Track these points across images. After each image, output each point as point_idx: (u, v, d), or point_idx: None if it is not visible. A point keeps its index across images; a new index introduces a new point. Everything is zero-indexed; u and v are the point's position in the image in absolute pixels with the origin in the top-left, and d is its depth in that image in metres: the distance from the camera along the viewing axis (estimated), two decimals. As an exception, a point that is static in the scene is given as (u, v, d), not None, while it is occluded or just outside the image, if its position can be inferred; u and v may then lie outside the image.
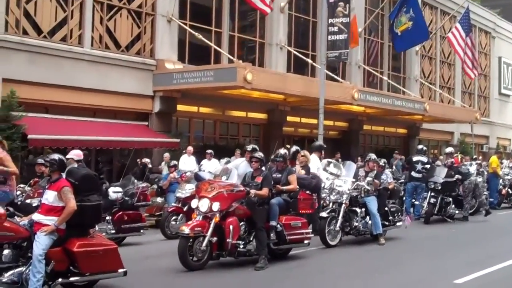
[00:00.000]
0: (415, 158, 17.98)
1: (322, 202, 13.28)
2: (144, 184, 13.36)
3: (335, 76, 24.98)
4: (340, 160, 17.49)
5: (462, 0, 34.32)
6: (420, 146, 19.30)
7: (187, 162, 16.86)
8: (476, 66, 31.04)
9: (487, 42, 41.43)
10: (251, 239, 10.26)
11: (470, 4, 34.81)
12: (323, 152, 14.81)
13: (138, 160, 17.11)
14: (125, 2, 19.24)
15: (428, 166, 17.98)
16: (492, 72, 41.92)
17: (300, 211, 11.81)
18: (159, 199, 15.04)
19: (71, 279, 7.76)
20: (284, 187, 10.97)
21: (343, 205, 12.48)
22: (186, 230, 9.64)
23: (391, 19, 26.91)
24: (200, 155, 17.93)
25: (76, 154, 11.60)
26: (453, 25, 31.46)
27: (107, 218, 11.88)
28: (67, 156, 10.79)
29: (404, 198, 17.56)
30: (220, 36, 22.25)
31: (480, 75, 38.15)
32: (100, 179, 14.29)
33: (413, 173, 17.70)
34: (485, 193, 20.89)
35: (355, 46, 24.66)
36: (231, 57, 21.06)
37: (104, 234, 10.56)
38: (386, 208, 13.43)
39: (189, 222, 9.98)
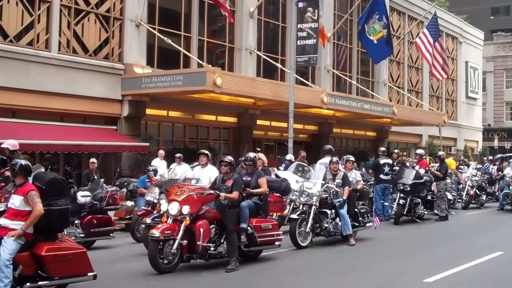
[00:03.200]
0: (382, 161, 18.15)
1: (292, 204, 13.36)
2: (113, 188, 13.25)
3: (305, 80, 25.14)
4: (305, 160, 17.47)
5: (429, 6, 34.85)
6: (382, 148, 19.47)
7: (159, 166, 16.75)
8: (447, 69, 31.46)
9: (454, 47, 42.08)
10: (221, 241, 10.23)
11: (438, 10, 35.33)
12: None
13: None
14: (93, 7, 19.12)
15: (396, 168, 18.20)
16: (459, 76, 42.59)
17: (271, 213, 11.83)
18: (129, 203, 14.92)
19: (40, 283, 7.65)
20: (255, 190, 10.97)
21: (313, 207, 12.53)
22: (156, 233, 9.57)
23: (360, 24, 27.14)
24: (170, 159, 17.86)
25: (11, 144, 11.49)
26: (421, 30, 31.88)
27: (76, 222, 11.75)
28: (2, 146, 10.74)
29: (373, 200, 17.69)
30: (189, 41, 22.22)
31: (447, 79, 38.73)
32: (69, 183, 14.20)
33: (381, 176, 17.85)
34: (453, 194, 21.24)
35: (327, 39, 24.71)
36: (201, 62, 21.06)
37: (73, 238, 10.45)
38: (356, 210, 13.52)
39: (159, 226, 9.91)
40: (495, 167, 24.47)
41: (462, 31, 42.97)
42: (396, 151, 19.24)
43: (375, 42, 26.35)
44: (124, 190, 15.40)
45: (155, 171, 14.83)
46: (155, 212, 11.58)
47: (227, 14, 20.32)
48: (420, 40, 30.29)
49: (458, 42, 42.56)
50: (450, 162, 23.89)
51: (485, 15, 70.75)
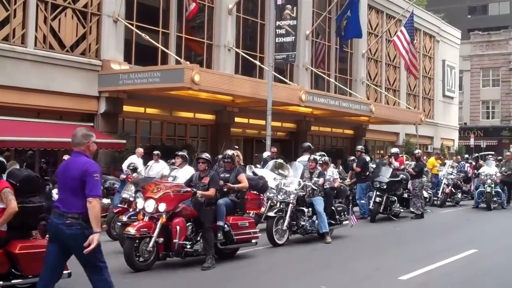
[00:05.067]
0: (368, 159, 18.40)
1: (269, 202, 13.41)
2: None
3: (283, 78, 25.17)
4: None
5: (407, 5, 35.06)
6: (359, 147, 19.61)
7: (136, 164, 16.65)
8: (416, 66, 31.72)
9: (431, 46, 42.39)
10: (198, 239, 10.24)
11: (415, 8, 35.56)
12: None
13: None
14: (70, 2, 18.92)
15: (374, 165, 18.39)
16: (436, 75, 42.91)
17: (248, 211, 11.86)
18: (105, 200, 14.81)
19: (13, 281, 7.57)
20: (236, 185, 10.98)
21: (290, 205, 12.58)
22: (132, 231, 9.55)
23: (338, 22, 27.31)
24: (148, 157, 17.77)
25: None
26: (399, 28, 32.05)
27: (51, 220, 11.65)
28: None
29: (350, 197, 17.82)
30: (168, 37, 22.11)
31: (424, 78, 39.05)
32: (45, 181, 14.09)
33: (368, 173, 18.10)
34: (429, 192, 21.46)
35: None
36: (179, 58, 20.98)
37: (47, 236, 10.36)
38: (332, 208, 13.60)
39: (135, 223, 9.88)
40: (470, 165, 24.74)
41: (439, 29, 43.30)
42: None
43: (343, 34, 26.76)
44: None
45: (135, 169, 14.71)
46: (131, 210, 11.53)
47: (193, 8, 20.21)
48: (398, 38, 30.44)
49: (435, 41, 42.87)
50: (431, 161, 24.26)
51: (462, 14, 71.43)
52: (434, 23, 42.50)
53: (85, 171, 6.19)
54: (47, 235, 7.01)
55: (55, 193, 11.88)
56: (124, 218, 10.98)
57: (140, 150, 17.27)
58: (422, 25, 39.22)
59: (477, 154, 27.63)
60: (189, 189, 10.25)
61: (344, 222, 13.91)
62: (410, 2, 35.56)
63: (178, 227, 9.79)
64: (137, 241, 9.52)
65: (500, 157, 25.24)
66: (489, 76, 60.99)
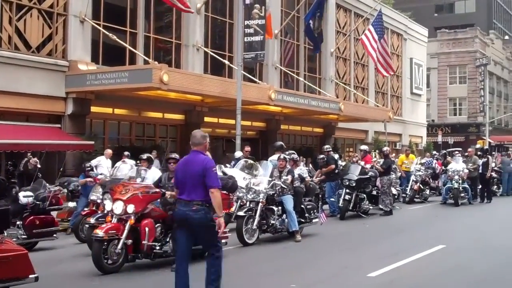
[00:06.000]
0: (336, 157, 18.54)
1: (239, 201, 13.41)
2: (56, 188, 13.02)
3: (252, 77, 25.20)
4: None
5: (375, 3, 35.36)
6: (326, 146, 19.71)
7: (104, 165, 16.51)
8: (388, 67, 31.93)
9: (399, 44, 42.82)
10: (167, 240, 10.18)
11: (383, 7, 35.87)
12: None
13: (26, 159, 15.67)
14: (35, 2, 18.71)
15: (343, 163, 18.53)
16: (404, 73, 43.36)
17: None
18: (71, 204, 14.60)
19: (-20, 286, 7.46)
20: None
21: (260, 204, 12.59)
22: (100, 233, 9.46)
23: (306, 22, 27.45)
24: (117, 158, 17.62)
25: None
26: (366, 27, 32.29)
27: (18, 223, 11.50)
28: None
29: (320, 195, 17.89)
30: (135, 37, 21.98)
31: (392, 76, 39.41)
32: (11, 184, 13.87)
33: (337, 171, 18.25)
34: (398, 189, 21.65)
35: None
36: (147, 58, 20.86)
37: (15, 239, 10.24)
38: (302, 206, 13.64)
39: (103, 225, 9.79)
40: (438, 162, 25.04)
41: (406, 28, 43.75)
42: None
43: (316, 36, 27.01)
44: (65, 190, 15.03)
45: (91, 168, 14.54)
46: (99, 211, 11.42)
47: (184, 8, 20.20)
48: (366, 37, 30.67)
49: (403, 39, 43.31)
50: (401, 158, 24.52)
51: (429, 12, 72.33)
52: (401, 22, 42.94)
53: (205, 167, 7.27)
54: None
55: (22, 196, 11.72)
56: (92, 220, 10.86)
57: (109, 151, 17.10)
58: (389, 23, 39.59)
59: (444, 151, 27.97)
60: (158, 190, 10.19)
61: (313, 220, 13.96)
62: (378, 1, 35.88)
63: (147, 229, 9.74)
64: (105, 243, 9.42)
65: (466, 153, 25.56)
66: (456, 74, 61.83)
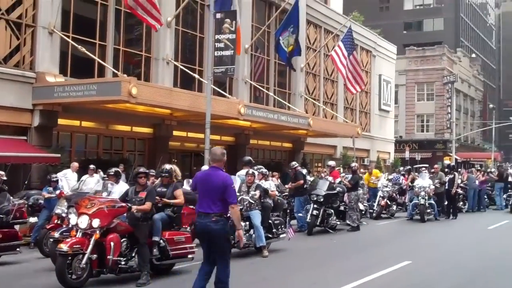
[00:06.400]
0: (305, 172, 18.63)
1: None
2: (21, 201, 12.81)
3: (222, 91, 25.20)
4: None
5: (345, 20, 35.74)
6: (293, 163, 19.79)
7: (70, 178, 16.33)
8: (360, 82, 32.18)
9: (368, 61, 43.30)
10: (133, 255, 10.09)
11: (353, 24, 36.26)
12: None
13: None
14: (3, 13, 18.46)
15: (311, 179, 18.62)
16: (373, 89, 43.83)
17: (184, 226, 11.77)
18: (32, 219, 14.22)
19: None
20: (172, 201, 10.92)
21: (229, 221, 12.50)
22: (64, 247, 9.33)
23: (277, 37, 27.61)
24: (84, 171, 17.44)
25: None
26: (336, 43, 32.59)
27: (-20, 237, 11.30)
28: None
29: (288, 211, 17.91)
30: (105, 50, 21.82)
31: (361, 92, 39.79)
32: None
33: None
34: (365, 204, 21.79)
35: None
36: (116, 71, 20.73)
37: (-24, 254, 10.04)
38: (270, 221, 13.65)
39: (68, 240, 9.66)
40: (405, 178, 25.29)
41: (376, 45, 44.29)
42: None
43: (287, 54, 27.20)
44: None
45: (56, 180, 14.33)
46: (64, 226, 11.28)
47: (152, 22, 20.15)
48: (335, 53, 30.96)
49: (372, 56, 43.81)
50: (376, 173, 24.75)
51: (398, 29, 73.37)
52: (370, 39, 43.46)
53: (225, 183, 7.92)
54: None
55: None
56: (56, 235, 10.72)
57: (75, 164, 16.92)
58: (359, 40, 40.03)
59: (409, 167, 28.28)
60: (124, 204, 10.13)
61: (281, 236, 13.98)
62: (348, 18, 36.26)
63: (112, 243, 9.64)
64: (69, 258, 9.30)
65: (432, 170, 25.88)
66: (423, 91, 62.74)
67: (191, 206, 12.35)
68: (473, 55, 79.07)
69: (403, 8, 78.01)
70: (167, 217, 10.78)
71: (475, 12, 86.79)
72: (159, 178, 11.91)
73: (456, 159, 54.05)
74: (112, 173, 12.07)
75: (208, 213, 7.88)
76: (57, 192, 13.76)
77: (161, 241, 10.46)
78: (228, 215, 8.14)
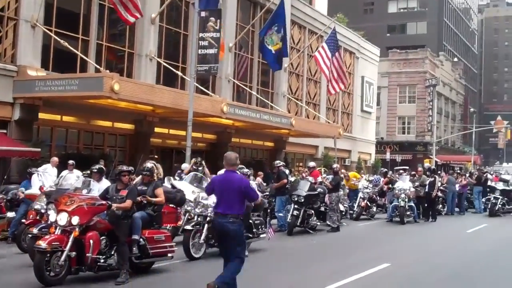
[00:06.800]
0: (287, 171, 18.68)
1: (186, 215, 13.30)
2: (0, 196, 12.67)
3: (205, 89, 25.12)
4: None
5: (329, 21, 35.82)
6: (277, 161, 19.78)
7: (50, 173, 16.15)
8: (343, 80, 32.18)
9: (351, 62, 43.46)
10: (112, 253, 10.01)
11: (337, 25, 36.35)
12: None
13: None
14: (-15, 5, 18.28)
15: (292, 179, 18.64)
16: (355, 91, 44.00)
17: (164, 225, 11.73)
18: (10, 214, 14.03)
19: None
20: (153, 199, 10.87)
21: (208, 218, 12.50)
22: (43, 244, 9.23)
23: (261, 36, 27.58)
24: (64, 166, 17.28)
25: None
26: (320, 44, 32.65)
27: (-43, 232, 11.15)
28: None
29: (268, 210, 17.90)
30: (88, 44, 21.68)
31: (344, 93, 39.95)
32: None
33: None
34: (346, 205, 21.86)
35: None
36: (98, 67, 20.60)
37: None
38: (250, 221, 13.60)
39: (47, 236, 9.56)
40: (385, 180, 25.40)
41: (359, 46, 44.46)
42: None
43: (273, 52, 27.05)
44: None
45: (30, 174, 14.19)
46: (42, 222, 11.16)
47: (131, 18, 19.99)
48: (319, 54, 31.02)
49: (355, 57, 43.98)
50: (354, 175, 24.78)
51: (382, 32, 73.68)
52: (354, 40, 43.63)
53: (244, 185, 8.60)
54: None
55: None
56: (35, 231, 10.60)
57: (55, 159, 16.75)
58: (343, 42, 40.16)
59: (385, 169, 28.46)
60: (104, 202, 10.05)
61: (261, 236, 13.93)
62: (332, 19, 36.35)
63: (91, 241, 9.56)
64: (48, 254, 9.21)
65: (413, 172, 26.03)
66: (405, 93, 63.08)
67: (172, 205, 12.34)
68: (455, 59, 79.68)
69: (387, 11, 78.38)
70: (147, 216, 10.72)
71: (458, 16, 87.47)
72: (140, 176, 11.86)
73: (436, 162, 54.49)
74: (96, 170, 11.96)
75: (226, 214, 8.39)
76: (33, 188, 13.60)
77: (141, 239, 10.40)
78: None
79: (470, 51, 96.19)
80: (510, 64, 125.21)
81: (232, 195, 8.46)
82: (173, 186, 13.77)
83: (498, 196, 26.68)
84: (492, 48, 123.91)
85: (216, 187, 8.76)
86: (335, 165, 20.87)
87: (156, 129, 23.64)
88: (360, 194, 22.88)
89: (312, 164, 21.53)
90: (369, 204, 23.09)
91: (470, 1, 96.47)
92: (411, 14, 78.16)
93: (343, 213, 20.92)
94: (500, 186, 27.69)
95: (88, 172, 12.49)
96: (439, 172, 31.68)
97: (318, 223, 18.28)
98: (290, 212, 17.30)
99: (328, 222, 18.51)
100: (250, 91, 30.28)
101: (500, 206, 26.51)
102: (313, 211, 17.90)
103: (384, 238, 18.04)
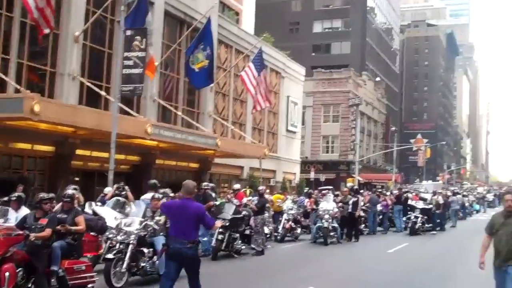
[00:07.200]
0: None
1: (108, 242, 13.01)
2: None
3: (129, 110, 24.70)
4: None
5: (256, 41, 36.13)
6: (205, 183, 19.73)
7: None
8: (270, 99, 32.43)
9: (277, 82, 43.93)
10: (29, 286, 9.68)
11: (263, 45, 36.70)
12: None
13: None
14: None
15: (217, 202, 18.57)
16: (281, 110, 44.44)
17: (85, 254, 11.44)
18: None
19: None
20: (73, 228, 10.59)
21: (131, 246, 12.27)
22: (-47, 279, 8.83)
23: (188, 55, 27.44)
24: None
25: None
26: (247, 64, 32.83)
27: None
28: None
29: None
30: (7, 63, 21.00)
31: (269, 112, 40.29)
32: None
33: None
34: (270, 227, 21.94)
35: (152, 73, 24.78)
36: (18, 86, 19.96)
37: None
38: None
39: (-42, 270, 9.15)
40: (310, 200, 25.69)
41: (285, 66, 45.01)
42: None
43: (197, 70, 26.88)
44: None
45: None
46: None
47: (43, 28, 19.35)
48: (245, 73, 31.17)
49: (281, 77, 44.49)
50: (277, 197, 24.91)
51: (307, 51, 74.91)
52: (280, 60, 44.15)
53: (200, 213, 9.35)
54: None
55: None
56: None
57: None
58: (268, 61, 40.59)
59: (310, 190, 28.92)
60: (21, 232, 9.72)
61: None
62: (258, 38, 36.68)
63: (7, 274, 9.21)
64: (-42, 290, 8.83)
65: (337, 192, 26.45)
66: (329, 112, 64.27)
67: (93, 233, 12.05)
68: (378, 79, 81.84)
69: (312, 31, 79.79)
70: (67, 245, 10.43)
71: (381, 37, 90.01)
72: (60, 203, 11.54)
73: (359, 180, 55.56)
74: (15, 199, 11.55)
75: (183, 240, 9.00)
76: None
77: (60, 270, 10.10)
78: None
79: (391, 70, 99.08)
80: (429, 84, 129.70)
81: (190, 222, 9.10)
82: (94, 212, 13.46)
83: (418, 215, 27.50)
84: (413, 68, 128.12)
85: (173, 213, 9.42)
86: (260, 187, 20.95)
87: (78, 151, 22.90)
88: (285, 216, 23.01)
89: (237, 186, 21.55)
90: (294, 226, 23.22)
91: (392, 21, 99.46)
92: (335, 34, 79.85)
93: (268, 235, 20.98)
94: (420, 205, 28.54)
95: (5, 199, 12.07)
96: (361, 191, 32.30)
97: (243, 247, 18.24)
98: (215, 236, 17.19)
99: (253, 246, 18.51)
100: (175, 111, 30.05)
101: (420, 224, 27.33)
102: (238, 235, 17.86)
103: (308, 260, 18.19)
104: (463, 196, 46.40)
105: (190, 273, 9.35)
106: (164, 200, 13.77)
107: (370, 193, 30.47)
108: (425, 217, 27.92)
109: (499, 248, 8.58)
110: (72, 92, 23.07)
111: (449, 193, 38.34)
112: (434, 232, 28.32)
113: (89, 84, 23.57)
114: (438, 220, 29.85)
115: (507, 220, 8.65)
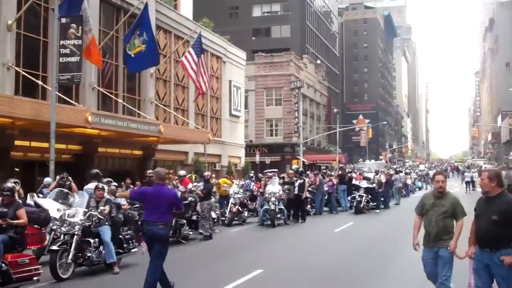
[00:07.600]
0: None
1: (52, 234, 12.72)
2: None
3: (68, 99, 24.16)
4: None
5: (195, 26, 35.80)
6: (149, 171, 19.54)
7: None
8: (209, 83, 32.29)
9: (218, 67, 43.71)
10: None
11: (203, 30, 36.39)
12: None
13: None
14: None
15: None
16: (223, 95, 44.29)
17: (29, 247, 11.15)
18: None
19: None
20: (14, 221, 10.30)
21: (75, 237, 12.04)
22: None
23: (125, 43, 27.00)
24: None
25: None
26: (187, 49, 32.54)
27: None
28: None
29: (139, 223, 17.49)
30: None
31: (212, 97, 40.10)
32: None
33: None
34: (217, 212, 21.91)
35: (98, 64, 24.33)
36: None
37: None
38: (120, 236, 13.29)
39: None
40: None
41: (225, 51, 44.82)
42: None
43: (132, 56, 26.53)
44: None
45: None
46: None
47: None
48: (186, 59, 30.91)
49: (222, 62, 44.28)
50: (224, 181, 24.91)
51: (247, 36, 74.84)
52: (220, 45, 43.91)
53: (173, 197, 10.11)
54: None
55: None
56: None
57: None
58: (209, 46, 40.34)
59: (260, 174, 29.10)
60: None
61: (132, 250, 13.67)
62: (197, 24, 36.36)
63: None
64: None
65: (283, 175, 26.58)
66: (272, 96, 64.48)
67: (36, 226, 11.75)
68: (318, 62, 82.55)
69: (251, 15, 79.75)
70: (9, 239, 10.16)
71: (320, 20, 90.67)
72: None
73: (303, 162, 56.06)
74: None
75: (156, 222, 9.52)
76: None
77: (3, 264, 9.82)
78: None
79: (331, 53, 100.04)
80: (369, 65, 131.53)
81: (164, 205, 9.65)
82: (36, 204, 13.12)
83: (363, 194, 27.96)
84: (352, 50, 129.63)
85: (148, 198, 9.84)
86: (206, 173, 20.86)
87: (17, 142, 22.34)
88: (232, 200, 23.04)
89: (182, 172, 21.35)
90: (241, 209, 23.26)
91: (330, 4, 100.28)
92: (275, 18, 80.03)
93: (215, 220, 20.95)
94: (364, 184, 28.96)
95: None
96: (307, 173, 32.59)
97: (191, 232, 18.17)
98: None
99: (200, 231, 18.46)
100: (116, 98, 29.55)
101: (364, 203, 27.79)
102: (185, 221, 17.76)
103: (256, 243, 18.23)
104: (406, 174, 47.39)
105: (155, 252, 9.60)
106: (106, 188, 13.58)
107: (315, 173, 30.65)
108: (369, 196, 28.40)
109: (429, 229, 8.33)
110: (7, 82, 22.39)
111: (391, 172, 39.09)
112: (378, 210, 28.83)
113: (25, 73, 22.92)
114: (382, 199, 30.39)
115: (438, 201, 8.37)
